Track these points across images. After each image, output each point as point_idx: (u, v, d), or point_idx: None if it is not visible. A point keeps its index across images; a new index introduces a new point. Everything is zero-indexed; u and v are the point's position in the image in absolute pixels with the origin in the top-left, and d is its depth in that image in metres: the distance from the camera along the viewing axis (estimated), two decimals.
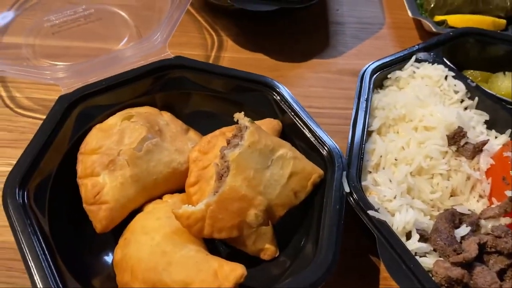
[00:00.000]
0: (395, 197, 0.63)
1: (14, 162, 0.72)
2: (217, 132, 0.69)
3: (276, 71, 0.91)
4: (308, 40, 0.97)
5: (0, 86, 0.82)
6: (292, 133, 0.69)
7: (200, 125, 0.74)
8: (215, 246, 0.64)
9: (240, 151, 0.59)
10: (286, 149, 0.62)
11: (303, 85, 0.90)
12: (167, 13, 0.83)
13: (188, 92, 0.74)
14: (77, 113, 0.66)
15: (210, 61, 0.91)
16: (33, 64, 0.84)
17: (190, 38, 0.94)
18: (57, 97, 0.79)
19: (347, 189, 0.61)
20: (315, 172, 0.63)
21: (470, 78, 0.84)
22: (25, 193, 0.57)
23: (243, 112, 0.63)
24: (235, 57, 0.93)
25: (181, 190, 0.68)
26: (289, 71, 0.92)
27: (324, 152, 0.64)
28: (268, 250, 0.63)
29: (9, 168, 0.71)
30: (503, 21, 0.99)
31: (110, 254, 0.63)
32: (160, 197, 0.67)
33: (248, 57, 0.93)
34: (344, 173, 0.62)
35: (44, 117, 0.76)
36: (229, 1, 0.86)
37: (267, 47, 0.95)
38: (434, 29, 0.94)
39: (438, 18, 0.98)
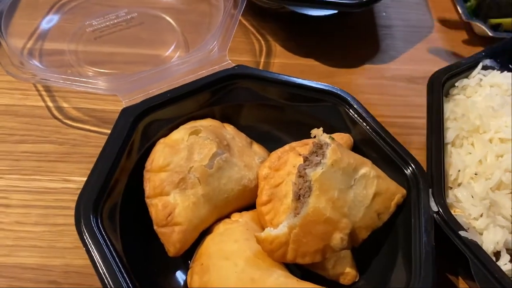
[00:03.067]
0: (481, 215, 0.60)
1: (68, 178, 0.70)
2: (286, 147, 0.66)
3: (328, 78, 0.87)
4: (358, 45, 0.94)
5: (46, 96, 0.78)
6: (368, 149, 0.65)
7: (261, 138, 0.71)
8: (289, 268, 0.61)
9: (323, 170, 0.55)
10: (368, 168, 0.59)
11: (358, 92, 0.85)
12: (221, 18, 0.78)
13: (249, 103, 0.70)
14: (142, 127, 0.62)
15: (260, 68, 0.87)
16: (77, 71, 0.80)
17: (237, 44, 0.90)
18: (106, 107, 0.77)
19: (435, 209, 0.58)
20: (399, 192, 0.60)
21: None
22: (98, 216, 0.53)
23: (321, 128, 0.59)
24: (285, 62, 0.89)
25: (249, 207, 0.65)
26: (342, 77, 0.88)
27: (408, 171, 0.61)
28: (349, 274, 0.59)
29: (64, 185, 0.69)
30: None
31: (181, 278, 0.60)
32: (228, 215, 0.64)
33: (298, 62, 0.89)
34: (430, 191, 0.59)
35: (96, 129, 0.74)
36: (281, 4, 0.82)
37: (316, 52, 0.91)
38: (490, 34, 0.91)
39: (493, 21, 0.95)
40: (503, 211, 0.63)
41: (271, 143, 0.70)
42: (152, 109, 0.63)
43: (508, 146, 0.67)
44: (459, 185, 0.66)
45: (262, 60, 0.89)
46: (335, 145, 0.57)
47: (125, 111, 0.62)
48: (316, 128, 0.60)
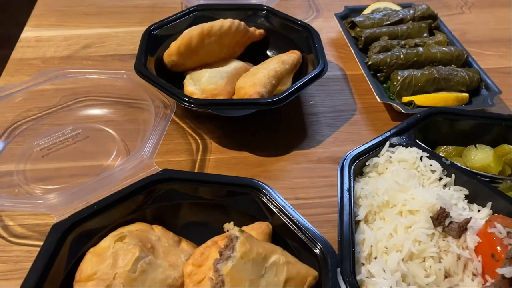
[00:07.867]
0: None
1: None
2: (209, 242, 0.70)
3: (260, 167, 0.95)
4: (287, 133, 1.02)
5: None
6: (283, 233, 0.70)
7: (192, 234, 0.76)
8: None
9: (233, 263, 0.60)
10: (278, 255, 0.64)
11: (287, 178, 0.93)
12: (152, 125, 0.87)
13: (177, 203, 0.76)
14: (71, 240, 0.67)
15: (196, 165, 0.95)
16: (24, 190, 0.86)
17: (175, 145, 0.98)
18: (50, 222, 0.82)
19: (342, 286, 0.62)
20: (310, 274, 0.64)
21: (444, 154, 0.89)
22: None
23: (232, 222, 0.65)
24: (220, 158, 0.96)
25: None
26: (273, 165, 0.95)
27: (317, 251, 0.65)
28: None
29: None
30: (466, 95, 1.06)
31: None
32: None
33: (232, 156, 0.97)
34: (339, 270, 0.63)
35: (38, 243, 0.79)
36: (209, 111, 0.92)
37: (249, 144, 0.99)
38: (403, 111, 1.00)
39: (406, 99, 1.05)
40: (417, 280, 0.67)
41: (202, 238, 0.74)
42: (80, 221, 0.68)
43: (415, 217, 0.72)
44: (375, 259, 0.70)
45: (199, 157, 0.96)
46: (244, 238, 0.62)
47: (54, 227, 0.67)
48: (226, 221, 0.65)
